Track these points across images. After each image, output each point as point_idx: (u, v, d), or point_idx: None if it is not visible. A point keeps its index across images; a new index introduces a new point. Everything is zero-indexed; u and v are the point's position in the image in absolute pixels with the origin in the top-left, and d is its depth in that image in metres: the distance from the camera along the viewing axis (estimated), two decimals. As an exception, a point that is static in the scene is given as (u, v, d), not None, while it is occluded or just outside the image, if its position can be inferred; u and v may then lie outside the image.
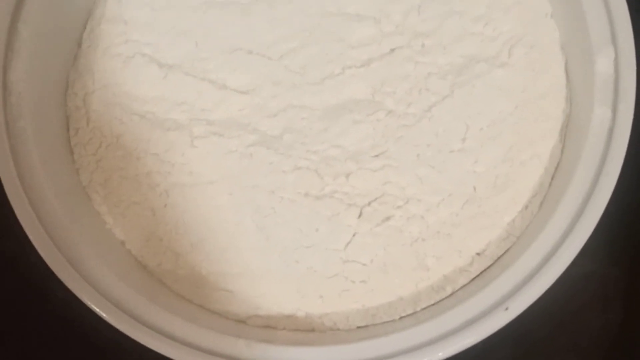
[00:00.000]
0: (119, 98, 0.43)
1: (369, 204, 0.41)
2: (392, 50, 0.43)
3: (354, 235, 0.40)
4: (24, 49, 0.40)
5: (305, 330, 0.41)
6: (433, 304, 0.40)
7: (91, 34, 0.44)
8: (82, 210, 0.42)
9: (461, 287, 0.40)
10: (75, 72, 0.44)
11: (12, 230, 0.39)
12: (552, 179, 0.41)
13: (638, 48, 0.39)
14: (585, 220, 0.38)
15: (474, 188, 0.41)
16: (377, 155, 0.41)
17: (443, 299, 0.40)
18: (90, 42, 0.44)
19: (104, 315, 0.38)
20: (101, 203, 0.42)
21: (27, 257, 0.39)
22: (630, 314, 0.45)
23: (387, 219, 0.41)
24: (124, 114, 0.42)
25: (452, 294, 0.40)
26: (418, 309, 0.40)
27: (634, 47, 0.39)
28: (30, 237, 0.38)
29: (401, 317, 0.40)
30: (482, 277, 0.40)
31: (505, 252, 0.41)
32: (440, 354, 0.37)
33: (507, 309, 0.37)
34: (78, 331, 0.43)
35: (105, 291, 0.38)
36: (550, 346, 0.45)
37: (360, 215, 0.41)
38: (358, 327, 0.41)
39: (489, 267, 0.41)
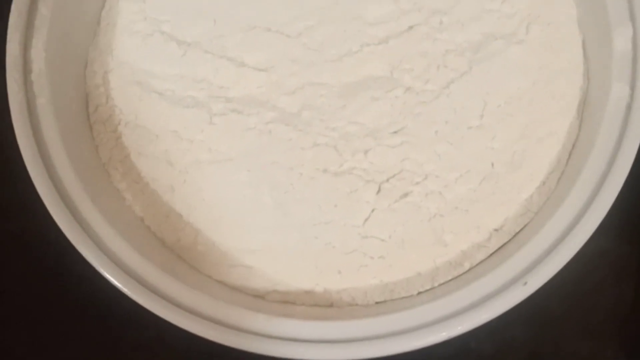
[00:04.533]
0: (137, 76, 0.43)
1: (388, 180, 0.41)
2: (410, 27, 0.43)
3: (372, 211, 0.41)
4: (44, 27, 0.40)
5: (324, 306, 0.41)
6: (451, 280, 0.41)
7: (110, 11, 0.44)
8: (101, 187, 0.42)
9: (479, 263, 0.41)
10: (94, 50, 0.44)
11: (33, 206, 0.39)
12: (570, 155, 0.41)
13: (656, 25, 0.40)
14: (602, 197, 0.38)
15: (492, 164, 0.41)
16: (395, 132, 0.41)
17: (461, 275, 0.41)
18: (109, 20, 0.44)
19: (124, 289, 0.38)
20: (120, 180, 0.43)
21: (47, 232, 0.39)
22: (644, 291, 0.45)
23: (406, 195, 0.41)
24: (143, 92, 0.43)
25: (469, 269, 0.41)
26: (436, 284, 0.41)
27: (653, 24, 0.39)
28: (52, 212, 0.38)
29: (419, 293, 0.41)
30: (499, 253, 0.41)
31: (522, 228, 0.41)
32: (459, 327, 0.37)
33: (525, 283, 0.37)
34: (98, 306, 0.43)
35: (125, 266, 0.39)
36: (564, 323, 0.46)
37: (378, 192, 0.41)
38: (376, 303, 0.41)
39: (506, 243, 0.41)
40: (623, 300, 0.46)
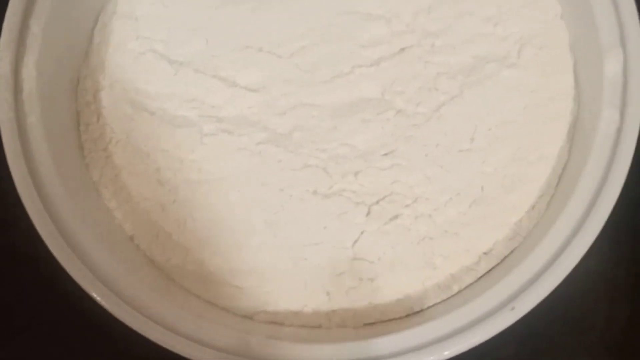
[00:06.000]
0: (129, 94, 0.43)
1: (377, 202, 0.41)
2: (403, 49, 0.43)
3: (362, 233, 0.41)
4: (35, 46, 0.40)
5: (313, 327, 0.41)
6: (440, 302, 0.41)
7: (103, 30, 0.44)
8: (91, 206, 0.42)
9: (468, 286, 0.41)
10: (86, 68, 0.44)
11: (21, 224, 0.39)
12: (560, 179, 0.41)
13: (647, 51, 0.40)
14: (591, 222, 0.38)
15: (482, 188, 0.41)
16: (386, 154, 0.42)
17: (450, 297, 0.41)
18: (102, 38, 0.44)
19: (112, 309, 0.38)
20: (111, 198, 0.42)
21: (36, 251, 0.39)
22: (635, 315, 0.45)
23: (395, 217, 0.41)
24: (134, 111, 0.43)
25: (458, 292, 0.41)
26: (425, 307, 0.41)
27: (644, 50, 0.40)
28: (40, 231, 0.38)
29: (408, 315, 0.41)
30: (488, 276, 0.41)
31: (512, 252, 0.41)
32: (446, 352, 0.37)
33: (513, 308, 0.37)
34: (86, 325, 0.43)
35: (113, 285, 0.39)
36: (555, 346, 0.46)
37: (368, 214, 0.41)
38: (365, 325, 0.41)
39: (495, 266, 0.41)
40: (615, 323, 0.46)
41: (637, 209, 0.45)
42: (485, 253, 0.41)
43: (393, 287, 0.41)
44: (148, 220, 0.42)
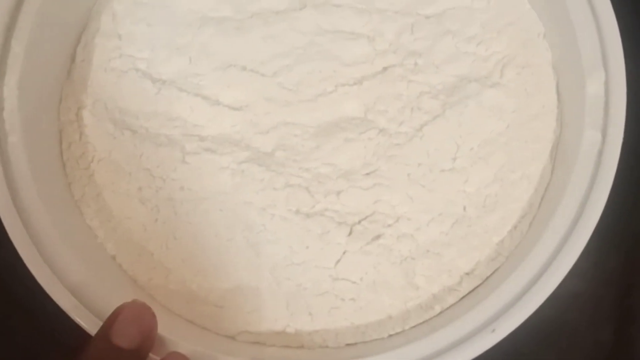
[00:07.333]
0: (111, 113, 0.43)
1: (359, 222, 0.41)
2: (385, 68, 0.43)
3: (344, 253, 0.41)
4: (17, 65, 0.40)
5: (295, 347, 0.41)
6: (422, 323, 0.41)
7: (85, 48, 0.44)
8: (73, 225, 0.42)
9: (450, 306, 0.41)
10: (68, 86, 0.44)
11: (1, 242, 0.39)
12: (542, 199, 0.41)
13: (629, 72, 0.40)
14: (573, 243, 0.38)
15: (464, 208, 0.41)
16: (368, 174, 0.41)
17: (432, 318, 0.41)
18: (85, 57, 0.44)
19: (92, 331, 0.38)
20: (93, 217, 0.42)
21: (14, 270, 0.39)
22: (619, 334, 0.45)
23: (377, 237, 0.41)
24: (116, 129, 0.43)
25: (441, 312, 0.41)
26: (407, 327, 0.41)
27: (625, 71, 0.40)
28: (20, 250, 0.38)
29: (390, 336, 0.41)
30: (471, 296, 0.41)
31: (494, 272, 0.41)
32: (428, 373, 0.37)
33: (494, 330, 0.37)
34: (65, 345, 0.43)
35: (94, 307, 0.38)
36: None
37: (350, 234, 0.41)
38: (347, 345, 0.41)
39: (478, 286, 0.41)
40: (599, 343, 0.46)
41: (619, 228, 0.45)
42: (467, 273, 0.41)
43: (375, 307, 0.40)
44: (130, 240, 0.42)
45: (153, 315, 0.36)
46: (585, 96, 0.40)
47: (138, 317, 0.35)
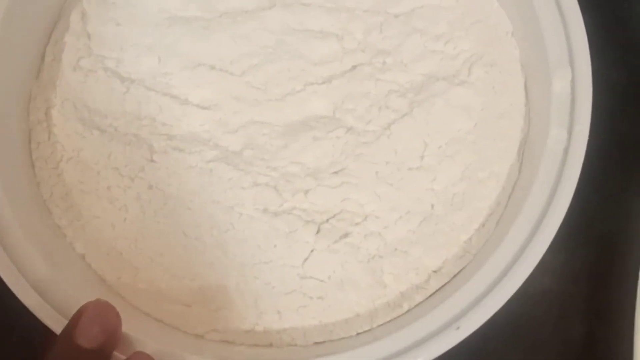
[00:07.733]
0: (80, 112, 0.43)
1: (327, 220, 0.41)
2: (354, 67, 0.43)
3: (311, 251, 0.41)
4: (-15, 63, 0.40)
5: (263, 346, 0.41)
6: (390, 321, 0.41)
7: (55, 47, 0.44)
8: (42, 224, 0.42)
9: (418, 304, 0.41)
10: (38, 86, 0.44)
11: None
12: (509, 198, 0.41)
13: (595, 70, 0.40)
14: (538, 240, 0.38)
15: (432, 206, 0.41)
16: (336, 172, 0.42)
17: (400, 316, 0.41)
18: (54, 56, 0.44)
19: (57, 330, 0.38)
20: (61, 217, 0.42)
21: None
22: (587, 332, 0.45)
23: (345, 235, 0.41)
24: (85, 128, 0.43)
25: (408, 310, 0.41)
26: (375, 325, 0.41)
27: (591, 69, 0.40)
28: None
29: (358, 334, 0.41)
30: (438, 294, 0.41)
31: (461, 270, 0.41)
32: (395, 371, 0.37)
33: (458, 328, 0.37)
34: (32, 346, 0.43)
35: (61, 305, 0.38)
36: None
37: (318, 232, 0.41)
38: (315, 343, 0.41)
39: (445, 284, 0.41)
40: (567, 340, 0.46)
41: (586, 226, 0.45)
42: (434, 271, 0.41)
43: (343, 305, 0.40)
44: (99, 239, 0.42)
45: (117, 314, 0.36)
46: (552, 94, 0.40)
47: (101, 316, 0.35)
